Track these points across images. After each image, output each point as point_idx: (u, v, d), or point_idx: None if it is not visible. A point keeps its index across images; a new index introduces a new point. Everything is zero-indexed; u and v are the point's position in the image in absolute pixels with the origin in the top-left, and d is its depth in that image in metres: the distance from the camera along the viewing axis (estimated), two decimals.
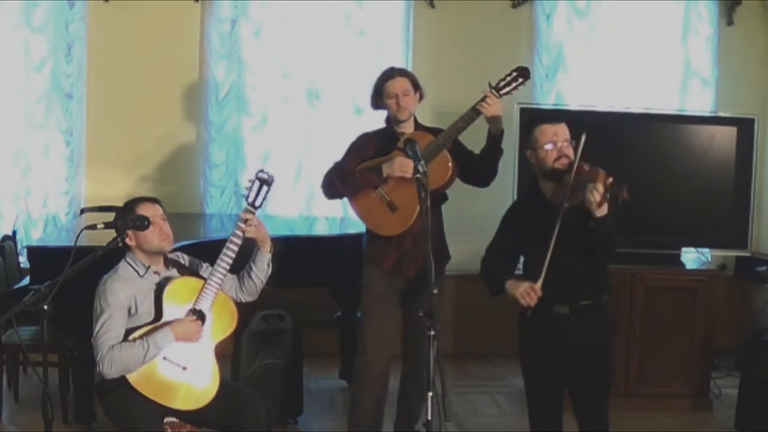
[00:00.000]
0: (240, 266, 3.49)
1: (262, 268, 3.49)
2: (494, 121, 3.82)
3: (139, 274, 3.31)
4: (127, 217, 3.24)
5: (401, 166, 3.74)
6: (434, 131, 3.96)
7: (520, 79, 3.80)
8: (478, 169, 3.98)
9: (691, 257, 5.55)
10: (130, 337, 3.21)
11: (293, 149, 6.03)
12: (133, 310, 3.26)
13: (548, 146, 3.31)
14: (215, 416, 3.35)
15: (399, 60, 5.97)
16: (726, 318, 5.81)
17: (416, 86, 3.95)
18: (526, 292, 3.24)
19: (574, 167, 3.23)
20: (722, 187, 5.22)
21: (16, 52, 5.77)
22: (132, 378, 3.19)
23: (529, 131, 3.39)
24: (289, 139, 6.02)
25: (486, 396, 5.35)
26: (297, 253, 4.70)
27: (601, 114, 5.37)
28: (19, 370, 4.97)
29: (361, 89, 5.95)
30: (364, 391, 4.06)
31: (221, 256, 3.34)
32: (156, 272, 3.36)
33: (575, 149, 3.28)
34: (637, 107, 5.64)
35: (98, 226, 3.19)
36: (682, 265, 5.34)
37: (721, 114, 5.83)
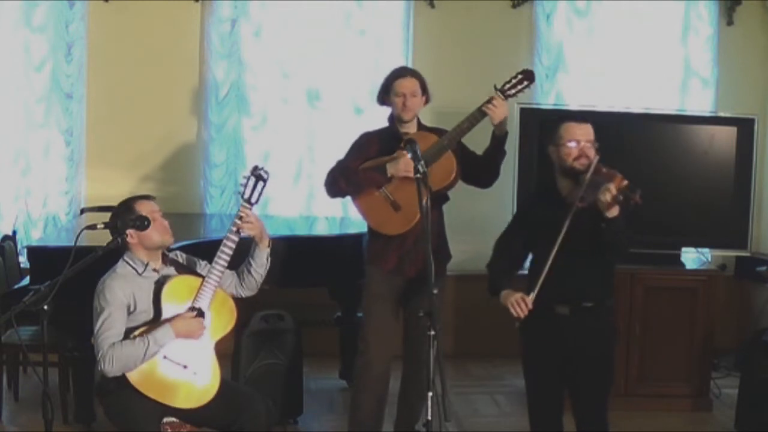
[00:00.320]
0: (238, 263, 3.49)
1: (261, 263, 3.49)
2: (499, 124, 3.83)
3: (137, 272, 3.31)
4: (126, 217, 3.25)
5: (406, 166, 3.74)
6: (437, 131, 3.97)
7: (526, 82, 3.82)
8: (480, 171, 3.99)
9: (691, 257, 5.55)
10: (130, 336, 3.21)
11: (293, 149, 6.03)
12: (132, 309, 3.26)
13: (571, 144, 3.33)
14: (215, 416, 3.35)
15: (399, 60, 5.98)
16: (726, 318, 5.81)
17: (424, 89, 3.96)
18: (517, 303, 3.27)
19: (592, 167, 3.24)
20: (722, 187, 5.22)
21: (16, 52, 5.77)
22: (132, 377, 3.19)
23: (554, 127, 3.40)
24: (289, 139, 6.03)
25: (486, 396, 5.35)
26: (297, 253, 4.71)
27: (601, 114, 5.36)
28: (19, 370, 4.97)
29: (361, 89, 5.99)
30: (364, 391, 4.06)
31: (218, 253, 3.34)
32: (155, 269, 3.36)
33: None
34: (637, 107, 5.64)
35: (98, 226, 3.19)
36: (682, 265, 5.34)
37: (721, 114, 5.83)
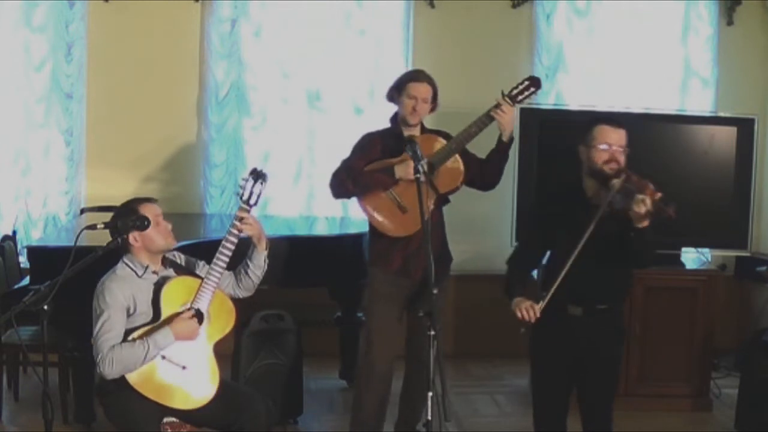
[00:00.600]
0: (237, 263, 3.50)
1: (258, 264, 3.49)
2: (507, 129, 3.85)
3: (137, 275, 3.31)
4: (127, 218, 3.24)
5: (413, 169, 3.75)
6: (440, 134, 3.99)
7: (532, 89, 3.85)
8: (483, 174, 4.01)
9: (691, 257, 5.55)
10: (129, 338, 3.21)
11: (293, 149, 6.03)
12: (131, 310, 3.26)
13: (603, 146, 3.32)
14: (215, 416, 3.35)
15: (399, 60, 5.99)
16: (726, 318, 5.81)
17: (435, 97, 3.96)
18: (526, 309, 3.27)
19: (624, 174, 3.24)
20: (722, 187, 5.22)
21: (16, 52, 5.77)
22: (132, 378, 3.19)
23: (588, 128, 3.40)
24: (289, 139, 6.03)
25: (486, 396, 5.35)
26: (297, 253, 4.71)
27: (601, 114, 5.35)
28: (19, 370, 4.97)
29: (361, 89, 6.00)
30: (367, 391, 4.05)
31: (217, 254, 3.34)
32: (154, 272, 3.36)
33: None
34: (637, 107, 5.63)
35: (98, 226, 3.19)
36: (682, 265, 5.34)
37: (721, 114, 5.83)
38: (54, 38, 5.77)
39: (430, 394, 2.93)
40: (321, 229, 5.78)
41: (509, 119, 3.81)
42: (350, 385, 5.34)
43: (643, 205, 3.13)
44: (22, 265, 5.17)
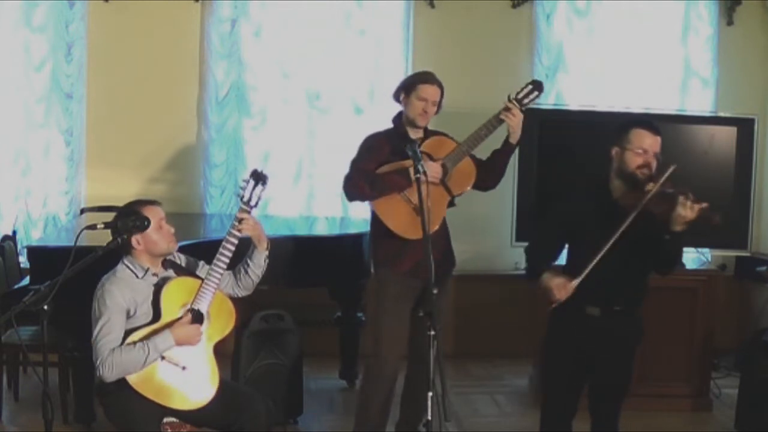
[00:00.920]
0: (237, 263, 3.49)
1: (258, 264, 3.49)
2: (516, 131, 3.88)
3: (137, 276, 3.31)
4: (127, 218, 3.24)
5: (433, 171, 3.76)
6: (443, 136, 4.00)
7: (536, 92, 3.87)
8: (487, 175, 4.02)
9: (691, 257, 5.54)
10: (129, 339, 3.21)
11: (293, 149, 6.03)
12: (131, 312, 3.25)
13: (639, 151, 3.32)
14: (215, 416, 3.35)
15: (399, 60, 5.99)
16: (726, 318, 5.81)
17: (441, 100, 3.97)
18: (560, 287, 3.25)
19: (663, 177, 3.23)
20: (722, 187, 5.21)
21: (16, 52, 5.77)
22: (131, 378, 3.19)
23: (624, 129, 3.38)
24: (289, 139, 6.03)
25: (486, 396, 5.34)
26: (297, 253, 4.71)
27: (601, 114, 5.36)
28: (19, 370, 4.97)
29: (361, 89, 6.00)
30: (374, 391, 4.04)
31: (218, 255, 3.34)
32: (154, 274, 3.35)
33: (661, 169, 3.29)
34: (637, 107, 5.63)
35: (98, 226, 3.18)
36: (682, 265, 5.32)
37: (721, 114, 5.83)
38: (54, 38, 5.78)
39: (430, 394, 2.94)
40: (321, 229, 5.78)
41: (518, 122, 3.84)
42: (350, 385, 5.35)
43: (689, 209, 3.13)
44: (22, 265, 5.17)
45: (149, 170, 5.94)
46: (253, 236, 3.44)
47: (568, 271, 3.37)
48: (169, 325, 3.25)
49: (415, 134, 3.95)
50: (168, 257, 3.43)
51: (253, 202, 3.36)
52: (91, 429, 4.40)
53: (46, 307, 2.96)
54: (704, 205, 3.17)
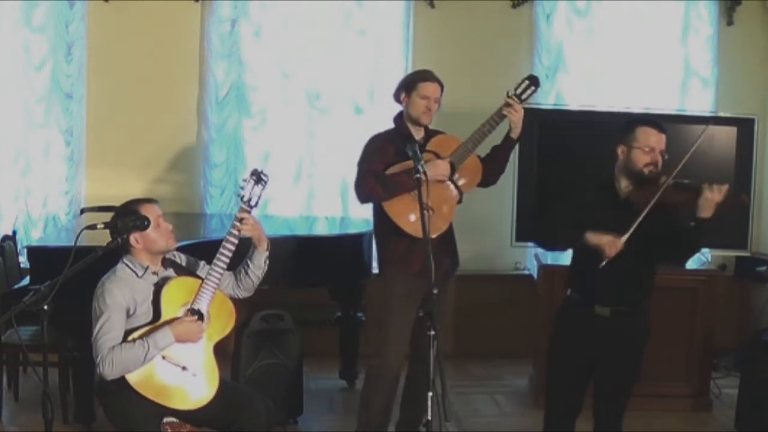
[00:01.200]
0: (238, 263, 3.49)
1: (258, 265, 3.49)
2: (518, 126, 3.90)
3: (137, 275, 3.31)
4: (127, 218, 3.24)
5: (441, 169, 3.79)
6: (443, 134, 4.01)
7: (533, 87, 3.90)
8: (488, 171, 4.03)
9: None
10: (129, 338, 3.21)
11: (293, 149, 6.03)
12: (131, 311, 3.26)
13: (646, 148, 3.33)
14: (215, 416, 3.35)
15: (399, 60, 5.99)
16: (726, 318, 5.81)
17: (440, 98, 3.99)
18: (611, 244, 3.22)
19: (678, 167, 3.26)
20: None
21: (16, 52, 5.77)
22: (131, 379, 3.19)
23: (630, 128, 3.39)
24: (289, 139, 6.02)
25: (486, 396, 5.34)
26: (297, 253, 4.71)
27: (601, 114, 5.36)
28: (19, 370, 4.97)
29: (361, 89, 5.99)
30: (378, 391, 4.03)
31: (218, 255, 3.34)
32: (154, 273, 3.35)
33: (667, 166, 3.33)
34: (637, 107, 5.63)
35: (98, 226, 3.19)
36: (683, 265, 5.33)
37: (721, 114, 5.83)
38: (54, 38, 5.78)
39: (430, 394, 2.94)
40: (321, 229, 5.78)
41: (520, 117, 3.87)
42: (350, 385, 5.35)
43: (717, 191, 3.15)
44: (22, 265, 5.18)
45: (149, 170, 5.94)
46: (253, 236, 3.43)
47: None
48: (169, 322, 3.25)
49: (417, 133, 3.95)
50: (168, 256, 3.43)
51: (253, 202, 3.36)
52: (91, 429, 4.40)
53: (46, 307, 2.96)
54: (726, 185, 3.18)
